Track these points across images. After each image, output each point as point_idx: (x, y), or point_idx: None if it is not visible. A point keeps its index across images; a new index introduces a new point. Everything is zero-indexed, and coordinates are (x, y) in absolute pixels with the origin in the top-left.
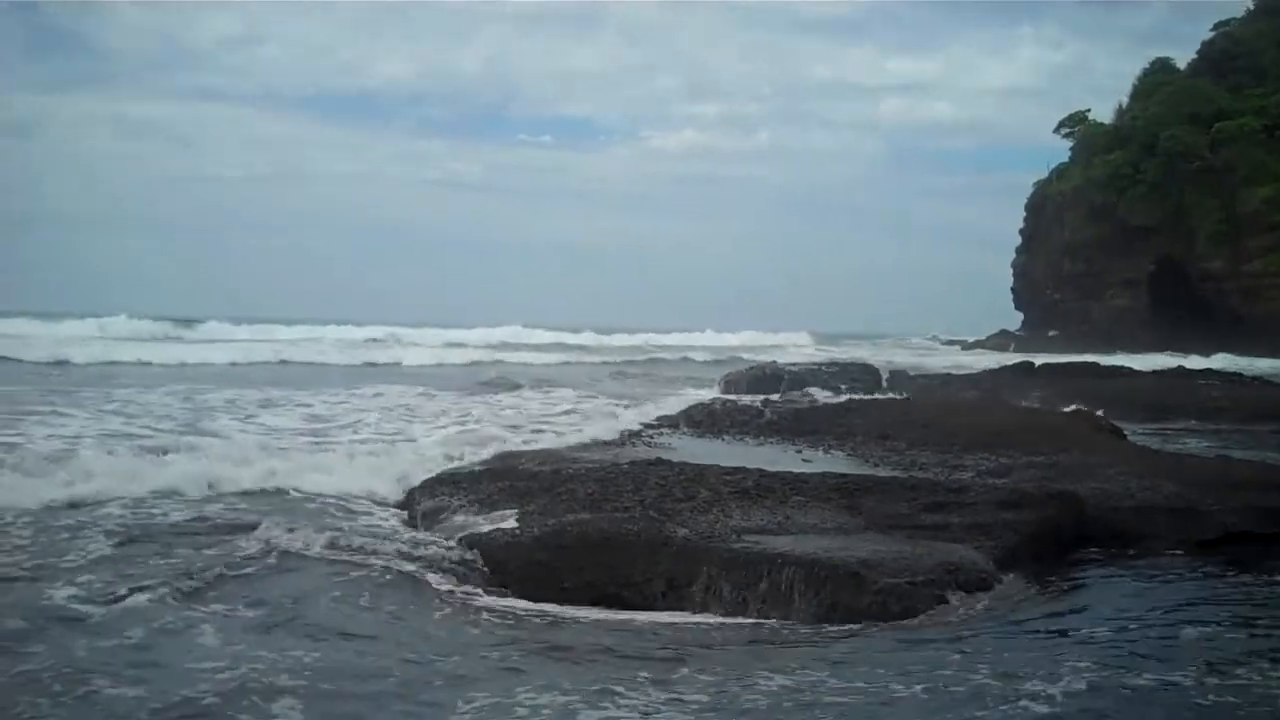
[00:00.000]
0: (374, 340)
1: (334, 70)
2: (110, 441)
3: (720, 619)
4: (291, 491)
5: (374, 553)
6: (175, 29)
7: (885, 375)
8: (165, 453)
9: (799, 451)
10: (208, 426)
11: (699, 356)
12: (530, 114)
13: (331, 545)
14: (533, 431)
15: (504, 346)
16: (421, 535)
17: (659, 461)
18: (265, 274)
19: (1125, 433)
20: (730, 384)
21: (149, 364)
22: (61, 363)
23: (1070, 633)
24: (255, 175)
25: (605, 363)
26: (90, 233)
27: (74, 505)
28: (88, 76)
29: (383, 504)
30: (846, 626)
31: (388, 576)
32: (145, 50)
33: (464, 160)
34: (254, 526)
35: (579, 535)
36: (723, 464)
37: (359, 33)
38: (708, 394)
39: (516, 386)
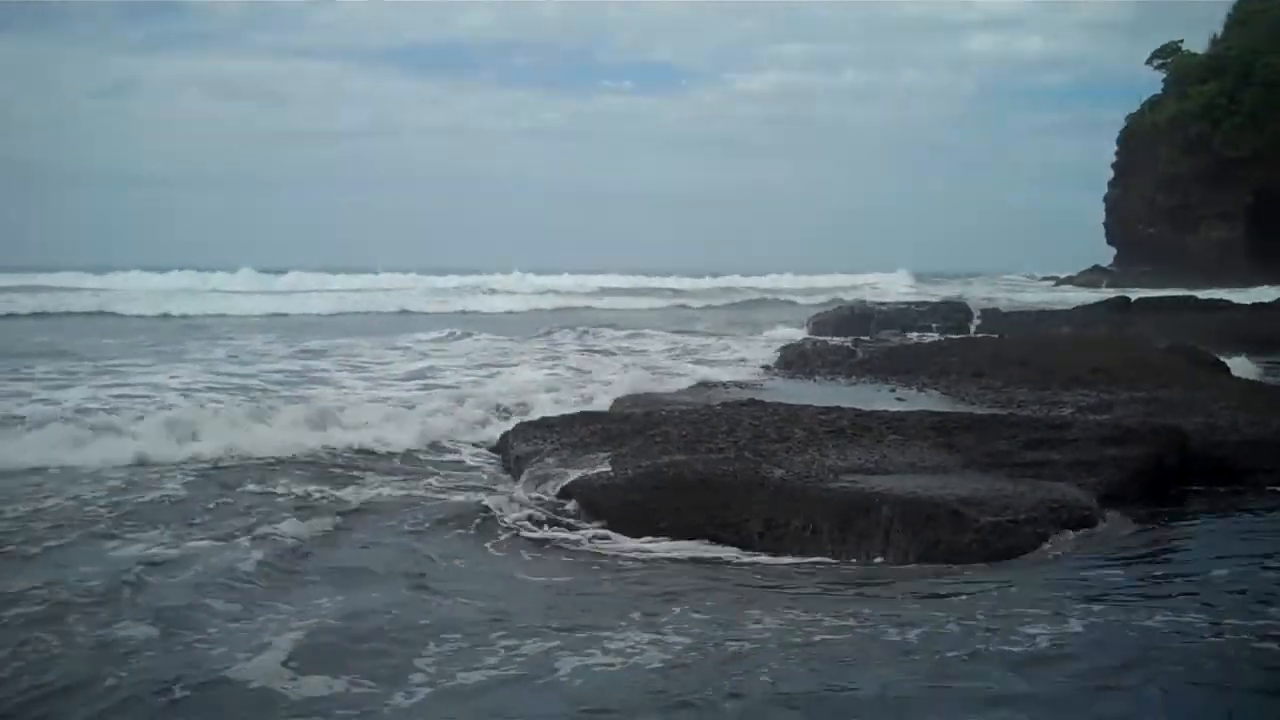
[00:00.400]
0: (465, 287)
1: (420, 23)
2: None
3: (818, 559)
4: (382, 446)
5: (479, 500)
6: None
7: (977, 313)
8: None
9: (892, 390)
10: (320, 376)
11: (790, 298)
12: (613, 61)
13: (440, 490)
14: (623, 373)
15: (597, 293)
16: (520, 484)
17: (752, 403)
18: (358, 227)
19: (1228, 366)
20: (819, 324)
21: (250, 316)
22: (182, 316)
23: (1176, 575)
24: (345, 130)
25: (696, 306)
26: (185, 190)
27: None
28: (181, 37)
29: (477, 448)
30: (947, 565)
31: (488, 522)
32: (236, 9)
33: (549, 109)
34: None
35: (674, 477)
36: (816, 404)
37: None
38: (798, 334)
39: (607, 330)
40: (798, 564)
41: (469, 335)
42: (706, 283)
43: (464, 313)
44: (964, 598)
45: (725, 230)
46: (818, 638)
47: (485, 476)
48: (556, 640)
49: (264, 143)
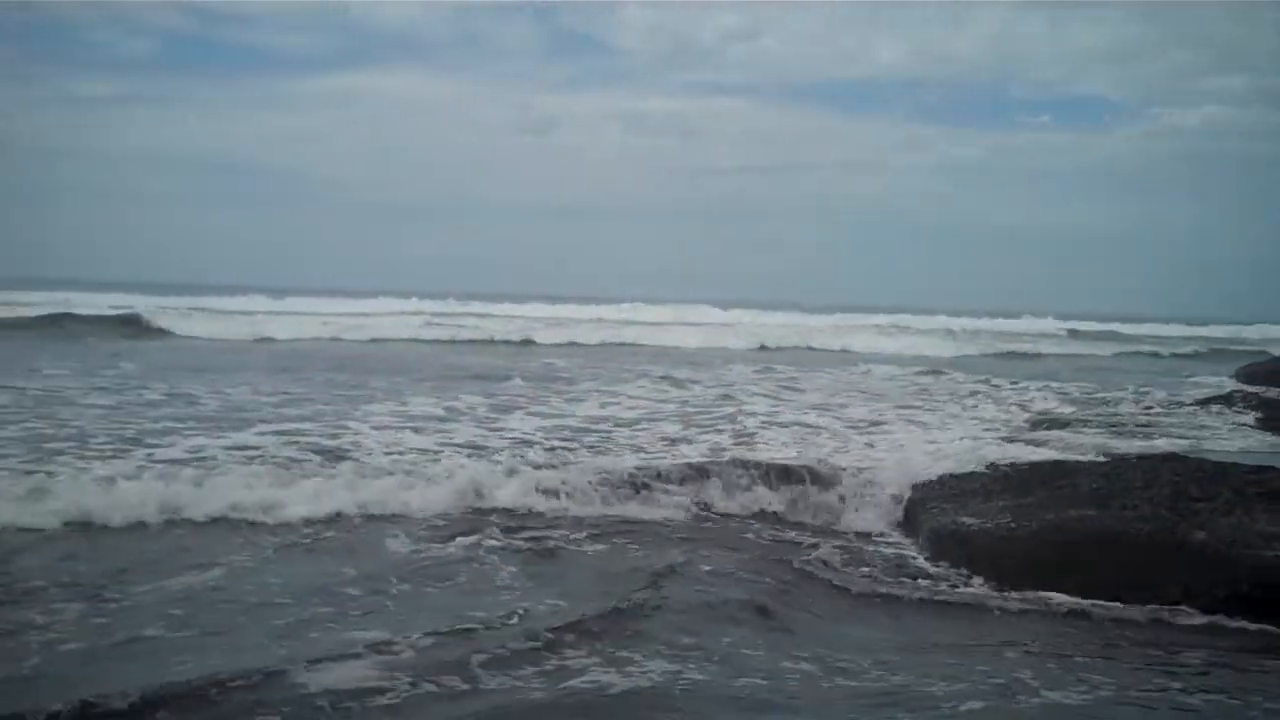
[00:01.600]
0: (880, 325)
1: (832, 60)
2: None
3: (1245, 624)
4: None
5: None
6: (680, 26)
7: None
8: None
9: None
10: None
11: (1228, 346)
12: (1028, 95)
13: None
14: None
15: (1028, 336)
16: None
17: (1173, 457)
18: (768, 261)
19: None
20: (1250, 375)
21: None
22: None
23: None
24: (756, 165)
25: (1143, 352)
26: (601, 223)
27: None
28: (602, 75)
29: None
30: None
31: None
32: (653, 49)
33: (962, 144)
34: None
35: (1083, 532)
36: (1245, 463)
37: (855, 21)
38: (1228, 384)
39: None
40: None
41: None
42: (1147, 329)
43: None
44: None
45: (1155, 272)
46: None
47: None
48: None
49: (676, 177)
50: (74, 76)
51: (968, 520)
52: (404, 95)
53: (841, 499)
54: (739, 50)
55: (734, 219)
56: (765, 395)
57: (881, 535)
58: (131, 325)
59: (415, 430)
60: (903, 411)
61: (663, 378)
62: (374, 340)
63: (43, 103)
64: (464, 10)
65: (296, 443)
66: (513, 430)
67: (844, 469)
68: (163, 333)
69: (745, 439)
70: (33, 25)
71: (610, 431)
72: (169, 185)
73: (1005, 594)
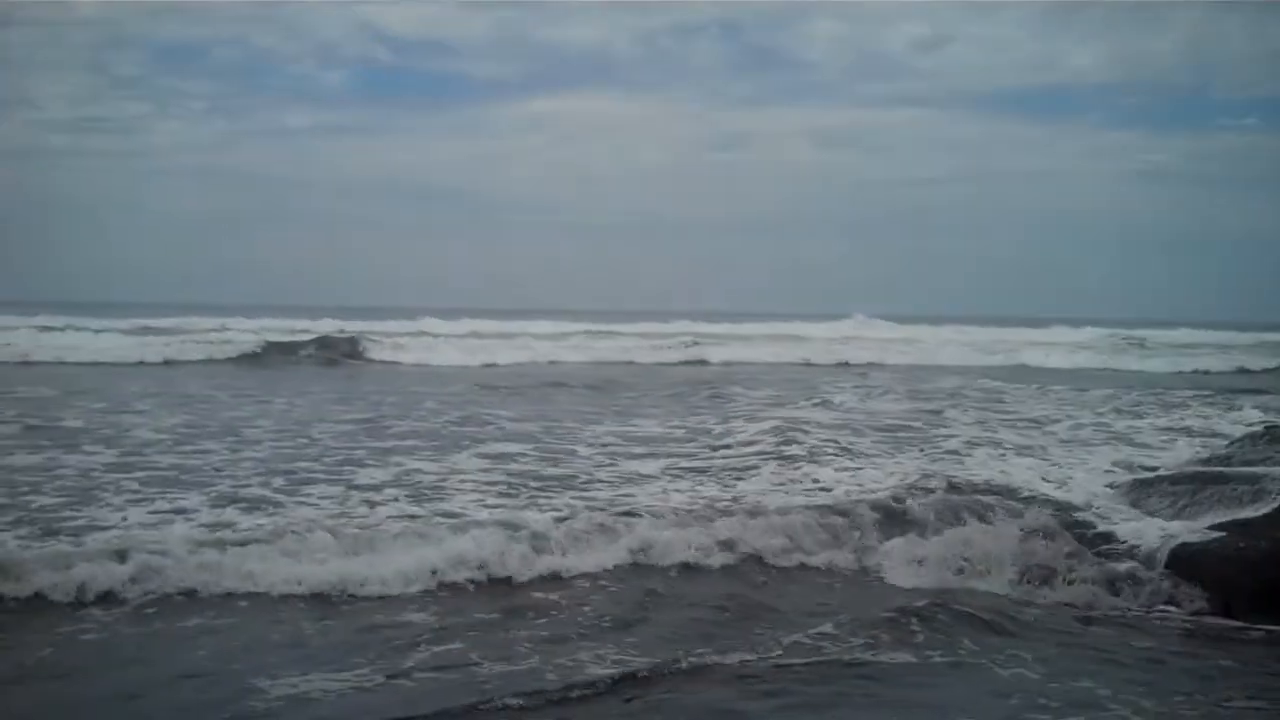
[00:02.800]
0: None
1: (1022, 67)
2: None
3: None
4: None
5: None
6: (865, 38)
7: None
8: None
9: None
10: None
11: None
12: (1230, 97)
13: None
14: None
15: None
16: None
17: None
18: (957, 274)
19: None
20: None
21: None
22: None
23: None
24: (940, 176)
25: None
26: (793, 238)
27: None
28: (787, 90)
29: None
30: None
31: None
32: (839, 62)
33: (1157, 150)
34: None
35: None
36: None
37: (1048, 26)
38: None
39: None
40: None
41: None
42: None
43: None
44: None
45: None
46: None
47: None
48: None
49: (861, 189)
50: (282, 109)
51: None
52: (593, 117)
53: None
54: (926, 60)
55: (922, 231)
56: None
57: None
58: (353, 354)
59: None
60: None
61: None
62: (600, 362)
63: (253, 135)
64: (650, 31)
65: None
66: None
67: None
68: (383, 362)
69: None
70: (244, 62)
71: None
72: (368, 210)
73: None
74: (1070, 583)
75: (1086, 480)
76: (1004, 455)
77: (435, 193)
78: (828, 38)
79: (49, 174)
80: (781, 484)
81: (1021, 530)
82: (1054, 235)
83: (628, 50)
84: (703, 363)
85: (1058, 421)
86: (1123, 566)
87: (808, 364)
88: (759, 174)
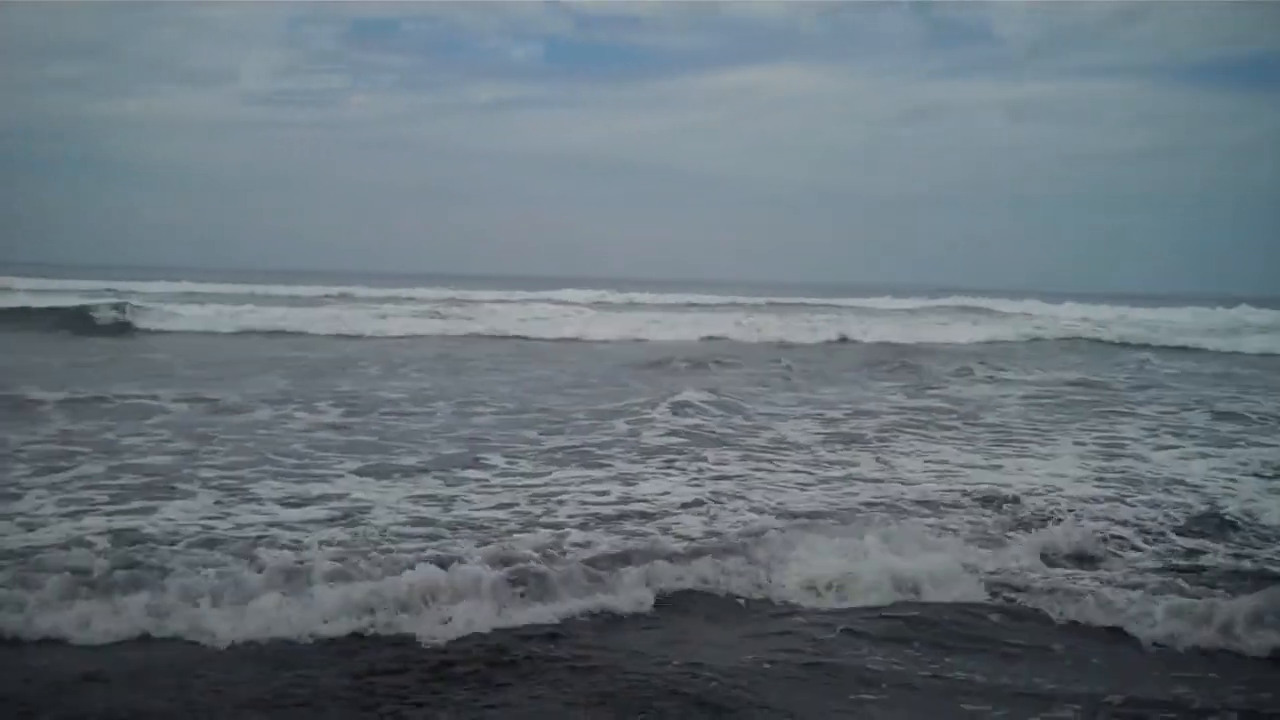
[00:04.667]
0: None
1: (1221, 37)
2: None
3: None
4: None
5: None
6: (1063, 10)
7: None
8: None
9: None
10: None
11: None
12: None
13: None
14: None
15: None
16: None
17: None
18: (1154, 248)
19: None
20: None
21: None
22: None
23: None
24: (1138, 149)
25: None
26: (986, 211)
27: None
28: (982, 62)
29: None
30: None
31: None
32: (1033, 34)
33: None
34: None
35: None
36: None
37: None
38: None
39: None
40: None
41: None
42: None
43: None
44: None
45: None
46: None
47: None
48: None
49: (1054, 163)
50: (470, 83)
51: None
52: (783, 90)
53: None
54: (1125, 31)
55: (1115, 207)
56: None
57: None
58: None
59: None
60: None
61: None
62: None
63: (445, 109)
64: (837, 5)
65: None
66: None
67: None
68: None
69: None
70: (435, 37)
71: None
72: (553, 185)
73: None
74: None
75: None
76: None
77: (620, 166)
78: (1022, 10)
79: (247, 145)
80: None
81: None
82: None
83: (815, 24)
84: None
85: None
86: None
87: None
88: (948, 147)
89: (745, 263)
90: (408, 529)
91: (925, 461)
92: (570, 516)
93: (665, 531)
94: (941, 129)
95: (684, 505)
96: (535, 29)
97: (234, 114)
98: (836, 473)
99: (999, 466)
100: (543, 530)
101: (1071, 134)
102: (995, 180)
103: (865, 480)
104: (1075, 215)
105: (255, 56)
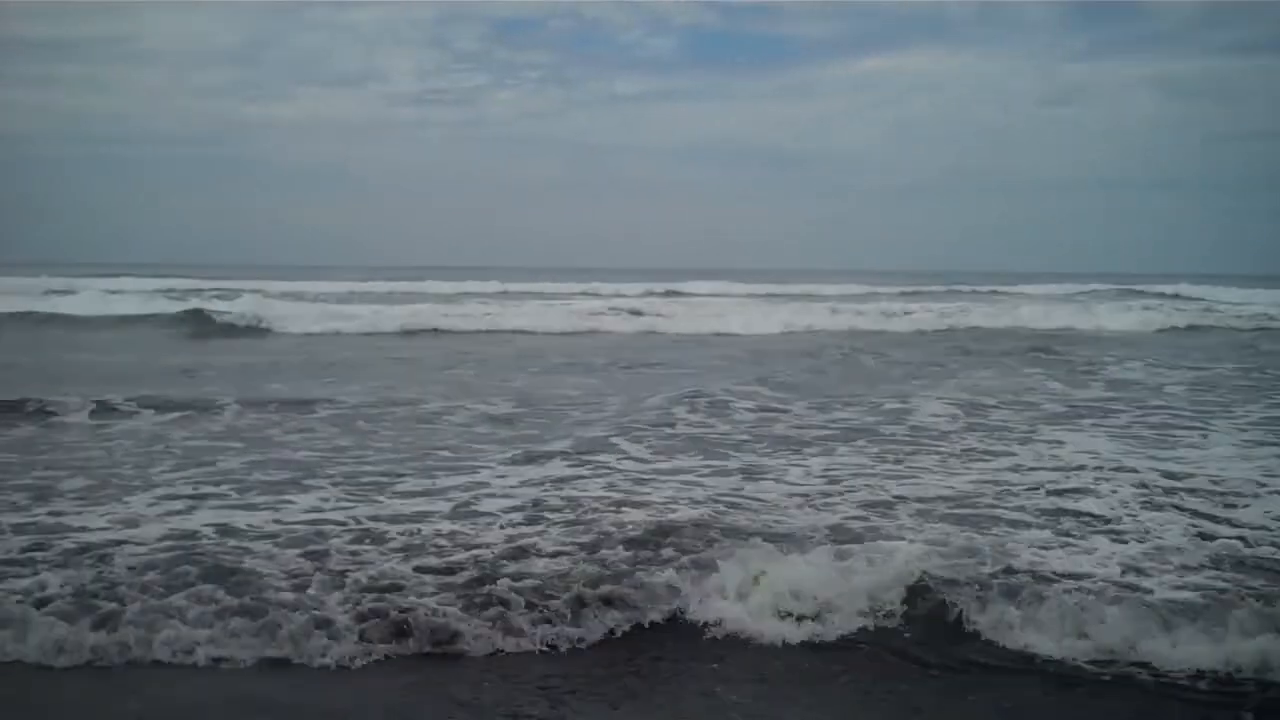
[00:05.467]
0: None
1: None
2: None
3: None
4: None
5: None
6: None
7: None
8: None
9: None
10: None
11: None
12: None
13: None
14: None
15: None
16: None
17: None
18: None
19: None
20: None
21: None
22: None
23: None
24: None
25: None
26: (1139, 194)
27: None
28: (1126, 40)
29: None
30: None
31: None
32: (1185, 7)
33: None
34: None
35: None
36: None
37: None
38: None
39: None
40: None
41: None
42: None
43: None
44: None
45: None
46: None
47: None
48: None
49: (1211, 143)
50: (612, 76)
51: None
52: (922, 75)
53: None
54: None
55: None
56: None
57: None
58: None
59: None
60: None
61: None
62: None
63: (585, 103)
64: None
65: None
66: None
67: None
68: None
69: None
70: (576, 32)
71: None
72: (693, 175)
73: None
74: None
75: None
76: None
77: (763, 155)
78: None
79: (397, 144)
80: None
81: None
82: None
83: (957, 6)
84: None
85: None
86: None
87: None
88: (1096, 128)
89: (884, 251)
90: None
91: None
92: None
93: None
94: (1087, 110)
95: None
96: (677, 21)
97: (380, 115)
98: None
99: None
100: None
101: (1228, 112)
102: (1147, 162)
103: None
104: (1232, 196)
105: (402, 58)
